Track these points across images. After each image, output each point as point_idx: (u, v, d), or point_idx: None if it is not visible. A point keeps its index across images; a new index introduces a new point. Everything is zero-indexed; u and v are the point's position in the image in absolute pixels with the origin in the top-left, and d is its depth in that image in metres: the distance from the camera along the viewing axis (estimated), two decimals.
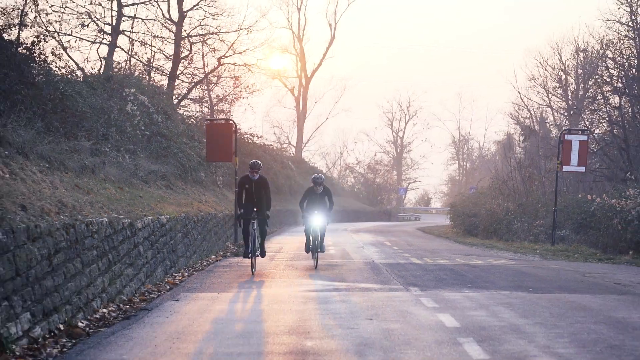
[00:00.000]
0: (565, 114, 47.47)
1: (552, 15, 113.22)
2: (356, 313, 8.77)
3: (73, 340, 7.16)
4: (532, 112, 51.03)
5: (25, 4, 19.05)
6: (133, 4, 30.86)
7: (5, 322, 6.32)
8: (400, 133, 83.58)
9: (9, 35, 16.11)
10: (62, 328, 7.37)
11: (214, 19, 32.36)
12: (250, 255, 13.60)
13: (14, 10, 19.26)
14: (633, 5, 41.21)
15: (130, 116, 19.82)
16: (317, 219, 14.76)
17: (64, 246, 7.82)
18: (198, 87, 36.28)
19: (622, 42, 42.73)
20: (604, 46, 44.41)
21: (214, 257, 17.12)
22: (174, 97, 31.48)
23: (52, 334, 7.13)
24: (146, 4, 30.82)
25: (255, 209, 13.80)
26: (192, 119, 30.88)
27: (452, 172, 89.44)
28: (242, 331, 7.72)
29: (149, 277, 11.47)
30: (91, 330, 7.68)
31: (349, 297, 10.22)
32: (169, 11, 31.84)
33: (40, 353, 6.50)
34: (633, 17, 41.50)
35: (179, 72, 32.51)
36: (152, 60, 31.52)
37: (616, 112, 35.91)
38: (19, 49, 15.24)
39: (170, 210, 14.66)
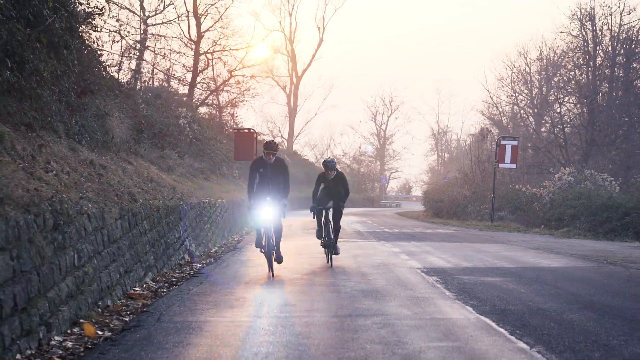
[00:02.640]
0: (530, 111, 55.67)
1: (521, 20, 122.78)
2: (350, 249, 17.01)
3: (216, 255, 15.34)
4: (500, 110, 59.30)
5: None
6: (157, 24, 38.82)
7: (195, 245, 14.57)
8: (383, 126, 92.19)
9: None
10: (212, 250, 15.68)
11: (226, 39, 40.40)
12: (265, 254, 11.87)
13: None
14: (583, 19, 49.65)
15: (182, 128, 27.94)
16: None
17: (198, 213, 16.00)
18: (208, 92, 44.31)
19: (574, 52, 51.22)
20: (559, 55, 52.83)
21: (246, 227, 25.37)
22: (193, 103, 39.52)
23: (208, 252, 15.38)
24: (167, 24, 38.80)
25: (268, 198, 11.74)
26: (228, 127, 39.07)
27: (431, 162, 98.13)
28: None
29: (227, 234, 19.74)
30: (222, 252, 15.92)
31: (345, 244, 18.42)
32: (189, 31, 39.85)
33: (206, 259, 14.66)
34: (583, 31, 49.87)
35: (196, 82, 40.56)
36: (171, 71, 39.49)
37: (564, 113, 44.55)
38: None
39: (223, 195, 22.78)
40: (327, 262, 13.44)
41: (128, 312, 8.25)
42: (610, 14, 48.83)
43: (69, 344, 6.65)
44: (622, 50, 48.86)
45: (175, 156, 23.28)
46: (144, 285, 10.17)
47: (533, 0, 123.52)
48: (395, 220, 35.93)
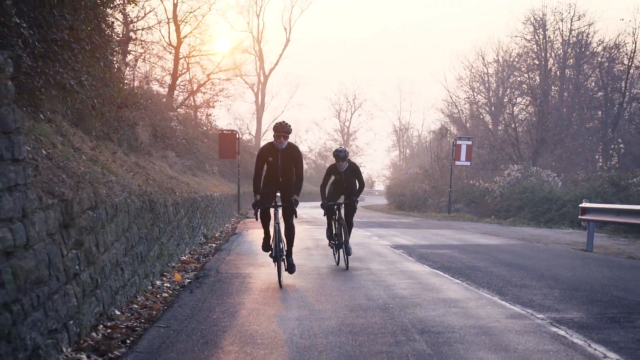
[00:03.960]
0: (487, 110, 60.07)
1: (479, 22, 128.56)
2: (317, 232, 21.00)
3: (223, 238, 19.18)
4: (460, 108, 63.67)
5: None
6: (140, 29, 42.38)
7: (206, 230, 18.44)
8: (347, 123, 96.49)
9: None
10: (216, 234, 19.55)
11: (204, 45, 44.12)
12: (274, 259, 10.33)
13: None
14: (536, 25, 54.09)
15: (174, 129, 31.68)
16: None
17: (206, 204, 19.84)
18: (184, 93, 47.95)
19: (527, 55, 55.69)
20: (514, 58, 57.22)
21: (234, 217, 29.22)
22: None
23: (214, 235, 19.23)
24: (148, 30, 42.38)
25: (279, 194, 10.57)
26: (202, 126, 42.75)
27: (393, 158, 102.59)
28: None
29: (222, 222, 23.61)
30: (225, 236, 19.78)
31: (317, 229, 22.42)
32: (169, 37, 43.46)
33: (215, 241, 18.51)
34: (536, 36, 54.33)
35: (176, 85, 44.22)
36: (150, 73, 43.09)
37: (518, 113, 49.02)
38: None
39: (215, 189, 26.60)
40: (337, 262, 12.66)
41: (190, 270, 12.16)
42: (562, 20, 53.28)
43: (167, 284, 10.54)
44: (572, 54, 53.50)
45: (173, 156, 26.93)
46: (187, 256, 14.07)
47: (491, 4, 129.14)
48: (362, 212, 40.06)
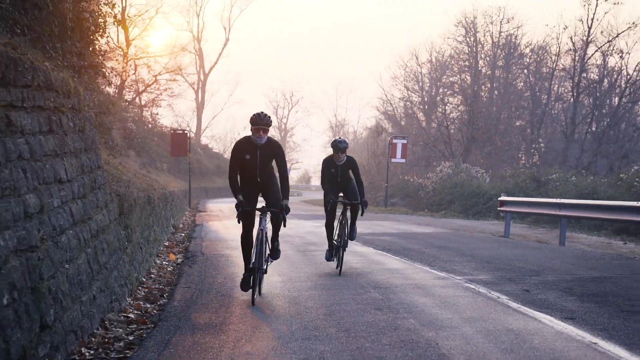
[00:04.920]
0: (421, 108, 63.61)
1: (416, 24, 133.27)
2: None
3: (188, 229, 21.86)
4: (394, 106, 67.04)
5: None
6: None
7: (161, 222, 21.11)
8: (284, 119, 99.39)
9: None
10: (180, 225, 22.22)
11: (151, 47, 46.45)
12: (251, 273, 8.83)
13: None
14: (467, 27, 57.61)
15: (131, 129, 34.09)
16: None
17: (172, 199, 22.48)
18: (130, 92, 50.13)
19: (459, 56, 59.23)
20: (446, 59, 60.69)
21: (187, 210, 31.84)
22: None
23: (178, 226, 21.90)
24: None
25: (261, 195, 9.33)
26: (148, 124, 45.04)
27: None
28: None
29: (182, 216, 26.25)
30: (188, 227, 22.45)
31: None
32: (118, 39, 45.62)
33: (183, 231, 21.19)
34: (468, 38, 57.89)
35: (125, 85, 46.41)
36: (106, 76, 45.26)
37: (450, 112, 52.54)
38: None
39: (168, 186, 29.17)
40: (337, 266, 11.60)
41: (177, 253, 14.88)
42: (492, 23, 57.00)
43: (165, 262, 13.25)
44: (502, 55, 57.32)
45: (134, 155, 29.48)
46: (167, 242, 16.77)
47: (429, 6, 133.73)
48: (305, 206, 43.06)
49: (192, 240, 17.71)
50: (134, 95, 48.24)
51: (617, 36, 45.56)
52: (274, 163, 9.26)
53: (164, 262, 13.12)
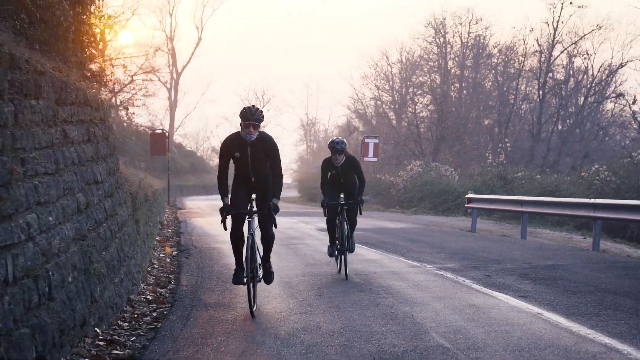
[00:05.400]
0: (392, 107, 65.02)
1: (383, 24, 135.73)
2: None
3: (173, 225, 23.15)
4: (365, 104, 68.33)
5: None
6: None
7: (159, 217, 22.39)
8: None
9: None
10: (164, 222, 23.50)
11: (128, 48, 47.52)
12: (246, 281, 8.26)
13: None
14: (437, 28, 59.13)
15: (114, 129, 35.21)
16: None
17: (157, 195, 23.76)
18: (105, 92, 51.20)
19: (428, 56, 60.76)
20: (416, 59, 62.19)
21: (168, 207, 33.09)
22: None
23: (162, 222, 23.20)
24: None
25: (254, 196, 8.78)
26: (123, 124, 46.16)
27: (301, 152, 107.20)
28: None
29: (164, 213, 27.52)
30: (172, 223, 23.75)
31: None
32: (97, 40, 46.71)
33: (168, 227, 22.50)
34: (437, 39, 59.46)
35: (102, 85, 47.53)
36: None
37: (420, 111, 54.15)
38: None
39: (152, 185, 30.39)
40: (338, 270, 11.48)
41: (170, 245, 16.21)
42: (460, 24, 58.48)
43: (162, 255, 14.59)
44: (470, 55, 58.98)
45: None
46: (159, 237, 18.08)
47: (395, 7, 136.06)
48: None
49: (182, 235, 19.04)
50: (111, 96, 49.31)
51: (581, 38, 47.36)
52: None
53: (160, 255, 14.44)
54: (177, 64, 76.66)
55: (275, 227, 8.44)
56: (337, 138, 11.23)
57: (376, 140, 40.41)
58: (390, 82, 65.32)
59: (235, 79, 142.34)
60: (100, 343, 6.74)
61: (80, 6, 13.04)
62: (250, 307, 8.05)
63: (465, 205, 22.81)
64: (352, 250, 11.50)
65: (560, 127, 49.42)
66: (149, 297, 9.39)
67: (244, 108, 8.24)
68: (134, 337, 7.21)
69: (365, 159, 40.00)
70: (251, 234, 8.32)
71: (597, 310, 8.34)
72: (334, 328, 7.42)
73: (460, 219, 30.02)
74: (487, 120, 54.88)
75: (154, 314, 8.41)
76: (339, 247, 11.38)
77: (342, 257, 11.21)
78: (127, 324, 7.80)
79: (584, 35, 47.17)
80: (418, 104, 58.94)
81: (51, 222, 6.02)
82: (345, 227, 11.24)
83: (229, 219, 8.31)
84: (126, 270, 9.00)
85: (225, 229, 8.24)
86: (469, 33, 58.00)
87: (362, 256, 13.97)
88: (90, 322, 6.87)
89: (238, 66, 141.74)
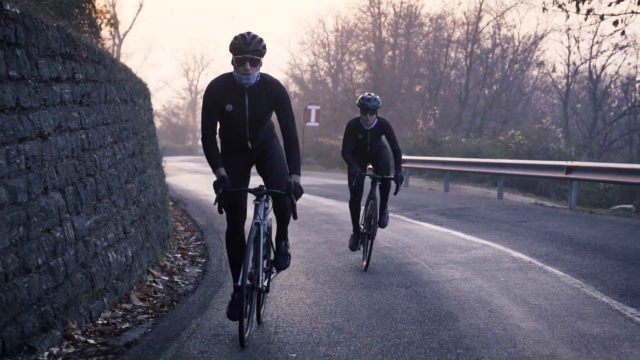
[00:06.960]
0: (328, 72, 68.86)
1: None
2: None
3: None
4: (303, 70, 71.96)
5: None
6: None
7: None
8: (195, 82, 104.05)
9: None
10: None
11: None
12: (242, 294, 5.50)
13: None
14: None
15: None
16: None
17: None
18: None
19: (363, 25, 64.89)
20: (351, 27, 66.20)
21: None
22: None
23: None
24: None
25: (256, 169, 6.43)
26: None
27: None
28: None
29: None
30: None
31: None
32: None
33: None
34: (372, 9, 63.55)
35: None
36: None
37: (355, 78, 58.49)
38: None
39: None
40: (364, 260, 9.26)
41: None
42: None
43: None
44: (403, 24, 63.31)
45: None
46: None
47: None
48: None
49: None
50: None
51: (507, 10, 52.37)
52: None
53: None
54: (119, 30, 79.35)
55: (295, 217, 6.04)
56: (369, 94, 9.01)
57: (318, 107, 44.86)
58: (327, 49, 69.00)
59: (175, 44, 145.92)
60: (178, 255, 11.07)
61: None
62: (241, 335, 5.49)
63: None
64: (383, 225, 9.94)
65: (486, 92, 54.26)
66: (182, 228, 13.69)
67: (236, 37, 5.79)
68: (197, 243, 11.56)
69: (308, 124, 44.46)
70: (257, 224, 5.90)
71: (485, 230, 13.04)
72: (319, 240, 11.88)
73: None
74: (419, 87, 59.48)
75: (193, 237, 12.73)
76: (364, 230, 9.40)
77: (369, 242, 9.21)
78: (182, 241, 12.11)
79: (508, 8, 52.03)
80: (354, 72, 63.22)
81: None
82: (376, 206, 9.39)
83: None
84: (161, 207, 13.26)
85: (221, 212, 5.87)
86: (401, 2, 62.22)
87: (322, 203, 18.47)
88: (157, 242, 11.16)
89: (178, 31, 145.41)
